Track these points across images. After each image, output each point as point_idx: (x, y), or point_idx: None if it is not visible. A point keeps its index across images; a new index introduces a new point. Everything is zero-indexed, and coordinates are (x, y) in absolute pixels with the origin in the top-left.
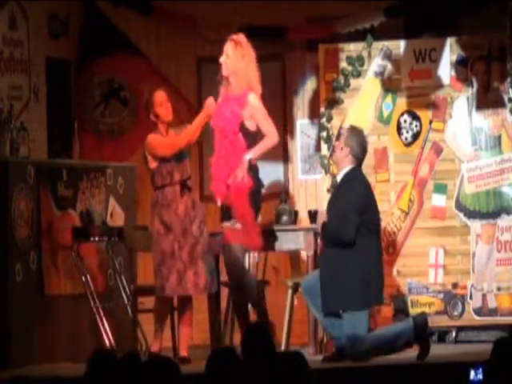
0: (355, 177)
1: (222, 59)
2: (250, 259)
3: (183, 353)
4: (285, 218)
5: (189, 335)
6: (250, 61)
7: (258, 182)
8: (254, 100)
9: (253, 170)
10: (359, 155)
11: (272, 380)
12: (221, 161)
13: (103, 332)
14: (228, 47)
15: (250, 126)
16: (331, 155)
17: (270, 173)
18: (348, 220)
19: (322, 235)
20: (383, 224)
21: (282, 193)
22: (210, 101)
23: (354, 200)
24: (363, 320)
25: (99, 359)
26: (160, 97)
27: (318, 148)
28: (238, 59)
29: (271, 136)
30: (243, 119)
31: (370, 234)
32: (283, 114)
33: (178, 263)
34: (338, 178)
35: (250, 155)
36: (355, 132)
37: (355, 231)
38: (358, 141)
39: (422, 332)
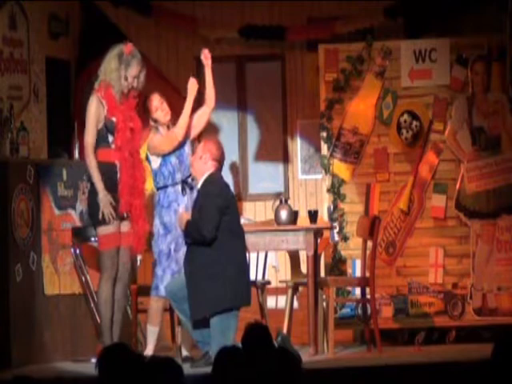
0: (211, 180)
1: None
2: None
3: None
4: (285, 218)
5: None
6: None
7: None
8: None
9: None
10: (218, 158)
11: (267, 379)
12: None
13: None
14: None
15: None
16: (192, 166)
17: (270, 173)
18: (208, 216)
19: (185, 235)
20: (383, 224)
21: (281, 193)
22: (192, 82)
23: (211, 200)
24: (232, 326)
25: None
26: (154, 102)
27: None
28: None
29: None
30: None
31: (233, 235)
32: (283, 114)
33: (173, 264)
34: (199, 185)
35: None
36: (210, 139)
37: (217, 229)
38: (215, 145)
39: None
